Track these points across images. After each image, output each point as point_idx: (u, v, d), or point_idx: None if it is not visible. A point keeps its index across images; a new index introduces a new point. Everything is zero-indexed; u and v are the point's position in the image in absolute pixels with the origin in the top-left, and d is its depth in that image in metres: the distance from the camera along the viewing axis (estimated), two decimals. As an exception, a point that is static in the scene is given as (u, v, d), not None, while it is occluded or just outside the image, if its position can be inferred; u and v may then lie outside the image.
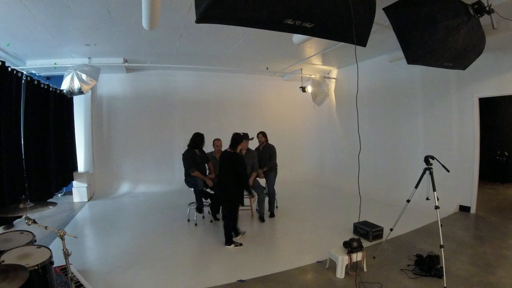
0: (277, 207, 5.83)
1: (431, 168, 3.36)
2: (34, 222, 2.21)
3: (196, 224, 4.95)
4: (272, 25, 2.15)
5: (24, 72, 4.76)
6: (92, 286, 2.89)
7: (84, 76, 5.53)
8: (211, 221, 5.13)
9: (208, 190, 5.07)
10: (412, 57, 3.00)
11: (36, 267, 2.10)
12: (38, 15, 3.88)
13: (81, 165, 7.21)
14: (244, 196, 5.63)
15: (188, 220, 5.13)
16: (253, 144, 5.27)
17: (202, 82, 8.17)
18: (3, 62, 3.88)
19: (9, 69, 4.06)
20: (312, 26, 2.16)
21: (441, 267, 2.94)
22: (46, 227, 2.27)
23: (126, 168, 7.67)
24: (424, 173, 3.42)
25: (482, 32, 3.04)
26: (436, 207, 3.17)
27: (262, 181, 5.45)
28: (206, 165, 5.24)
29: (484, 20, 2.87)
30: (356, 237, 3.36)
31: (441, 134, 5.64)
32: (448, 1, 2.74)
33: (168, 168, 7.93)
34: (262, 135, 5.54)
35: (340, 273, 3.10)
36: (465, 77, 5.19)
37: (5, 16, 3.84)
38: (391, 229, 3.63)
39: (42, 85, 5.31)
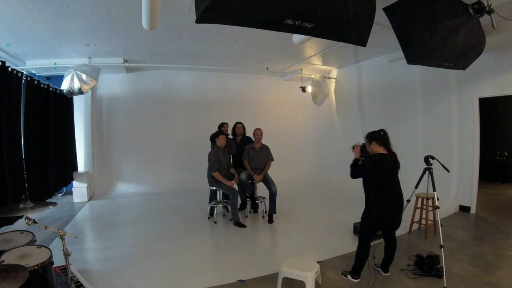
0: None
1: (431, 168, 3.37)
2: (34, 222, 2.21)
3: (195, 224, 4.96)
4: (272, 25, 2.15)
5: (24, 72, 4.76)
6: (92, 286, 2.89)
7: (84, 76, 5.52)
8: (215, 222, 5.05)
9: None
10: (412, 57, 3.01)
11: (36, 267, 2.10)
12: (38, 15, 3.88)
13: (81, 165, 7.20)
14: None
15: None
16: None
17: (202, 82, 8.18)
18: (3, 62, 3.88)
19: (9, 69, 4.06)
20: (312, 26, 2.15)
21: (441, 267, 2.94)
22: (46, 227, 2.26)
23: (126, 168, 7.67)
24: (424, 173, 3.43)
25: (482, 32, 3.04)
26: (436, 207, 3.18)
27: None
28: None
29: (484, 20, 2.87)
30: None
31: (441, 134, 5.64)
32: (448, 1, 2.74)
33: (168, 168, 7.93)
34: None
35: None
36: (465, 77, 5.18)
37: (5, 16, 3.84)
38: (391, 229, 3.63)
39: (42, 85, 5.30)
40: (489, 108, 6.56)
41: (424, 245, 3.85)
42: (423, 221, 4.30)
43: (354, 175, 2.99)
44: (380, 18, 2.98)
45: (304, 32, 2.28)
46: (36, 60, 5.98)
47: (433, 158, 3.39)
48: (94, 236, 4.66)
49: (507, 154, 7.78)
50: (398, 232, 4.10)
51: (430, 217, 4.28)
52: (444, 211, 5.08)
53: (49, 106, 5.62)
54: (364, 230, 3.06)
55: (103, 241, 4.36)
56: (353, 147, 3.12)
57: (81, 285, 2.84)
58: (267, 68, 7.59)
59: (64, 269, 2.80)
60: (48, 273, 2.21)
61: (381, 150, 2.87)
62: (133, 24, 4.29)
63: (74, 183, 6.74)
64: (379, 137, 2.89)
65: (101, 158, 7.52)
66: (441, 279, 2.89)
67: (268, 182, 5.05)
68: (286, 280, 2.88)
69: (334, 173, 8.23)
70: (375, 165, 2.81)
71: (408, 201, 3.51)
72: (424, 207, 4.28)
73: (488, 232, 4.28)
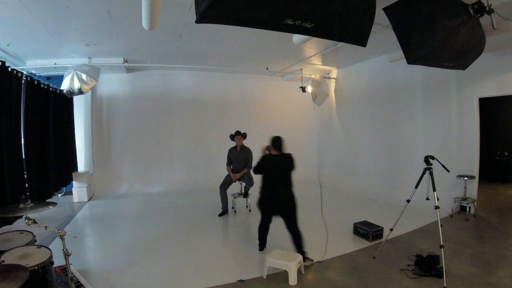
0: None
1: (431, 168, 3.36)
2: (34, 222, 2.21)
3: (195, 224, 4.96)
4: (272, 25, 2.15)
5: (24, 72, 4.76)
6: (92, 286, 2.90)
7: (84, 76, 5.52)
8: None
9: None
10: (412, 57, 3.00)
11: (36, 267, 2.10)
12: (38, 15, 3.88)
13: (81, 165, 7.21)
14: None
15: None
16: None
17: (202, 82, 8.17)
18: (3, 62, 3.89)
19: (9, 69, 4.06)
20: (312, 26, 2.15)
21: (441, 267, 2.94)
22: (46, 227, 2.27)
23: (126, 168, 7.67)
24: (424, 173, 3.42)
25: (482, 32, 3.04)
26: (436, 207, 3.17)
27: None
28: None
29: (484, 20, 2.86)
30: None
31: (441, 134, 5.64)
32: (448, 1, 2.74)
33: (168, 168, 7.93)
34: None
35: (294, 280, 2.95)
36: (465, 77, 5.18)
37: (6, 16, 3.83)
38: (391, 229, 3.64)
39: (42, 85, 5.31)
40: (489, 108, 6.55)
41: (424, 245, 3.85)
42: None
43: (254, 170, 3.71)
44: (380, 18, 2.98)
45: (304, 32, 2.28)
46: (36, 60, 5.98)
47: (433, 158, 3.38)
48: (94, 236, 4.66)
49: (507, 154, 7.77)
50: (397, 232, 4.12)
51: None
52: (444, 211, 5.07)
53: (49, 106, 5.62)
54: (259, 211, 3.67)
55: (103, 241, 4.36)
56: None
57: (81, 285, 2.84)
58: (267, 68, 7.59)
59: (64, 269, 2.80)
60: (48, 273, 2.21)
61: (274, 152, 3.59)
62: (133, 24, 4.28)
63: (74, 183, 6.74)
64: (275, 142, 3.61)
65: (101, 158, 7.52)
66: (441, 279, 2.90)
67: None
68: (273, 271, 2.95)
69: (334, 173, 8.23)
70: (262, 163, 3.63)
71: (408, 201, 3.51)
72: (424, 207, 4.27)
73: (488, 232, 4.28)
